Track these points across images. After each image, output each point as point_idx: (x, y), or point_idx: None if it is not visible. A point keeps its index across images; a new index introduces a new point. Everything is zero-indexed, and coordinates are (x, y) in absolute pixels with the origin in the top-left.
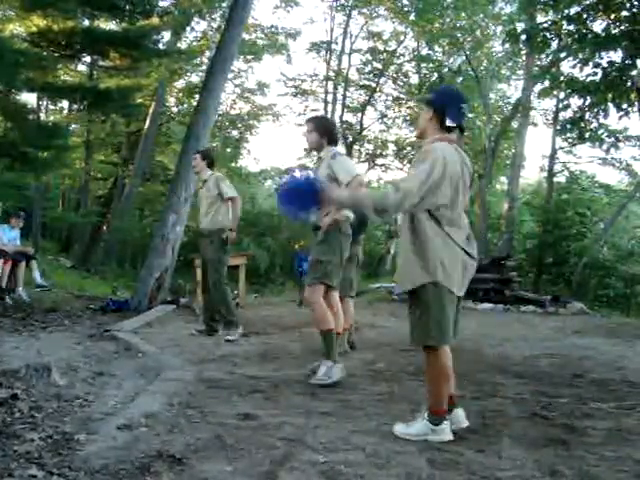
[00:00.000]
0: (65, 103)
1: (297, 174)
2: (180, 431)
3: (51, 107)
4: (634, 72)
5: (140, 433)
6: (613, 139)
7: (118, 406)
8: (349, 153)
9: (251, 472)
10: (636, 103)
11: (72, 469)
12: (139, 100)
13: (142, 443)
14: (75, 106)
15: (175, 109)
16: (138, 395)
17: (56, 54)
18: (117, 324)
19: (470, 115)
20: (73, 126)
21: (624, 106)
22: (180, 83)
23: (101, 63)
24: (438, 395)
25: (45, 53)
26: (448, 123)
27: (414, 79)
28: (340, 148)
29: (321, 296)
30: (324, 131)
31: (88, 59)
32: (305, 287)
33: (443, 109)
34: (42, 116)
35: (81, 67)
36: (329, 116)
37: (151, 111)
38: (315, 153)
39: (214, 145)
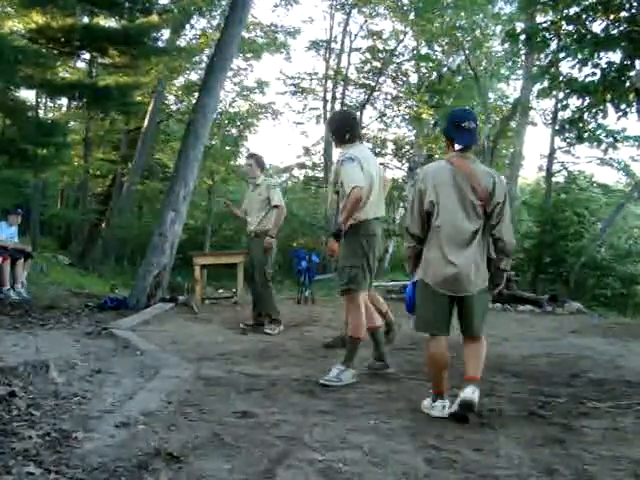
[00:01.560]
0: (64, 100)
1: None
2: (178, 429)
3: (50, 104)
4: (633, 73)
5: (138, 431)
6: (611, 139)
7: (116, 404)
8: None
9: (249, 470)
10: (634, 104)
11: (70, 467)
12: (138, 98)
13: (140, 441)
14: (74, 103)
15: (174, 107)
16: (136, 393)
17: (55, 51)
18: (115, 322)
19: None
20: (72, 123)
21: (623, 107)
22: (179, 81)
23: (100, 60)
24: (431, 376)
25: (44, 50)
26: (457, 147)
27: (413, 78)
28: (358, 149)
29: (357, 303)
30: (338, 134)
31: (87, 56)
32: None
33: (450, 135)
34: (41, 113)
35: (80, 64)
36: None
37: (150, 109)
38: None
39: (213, 143)
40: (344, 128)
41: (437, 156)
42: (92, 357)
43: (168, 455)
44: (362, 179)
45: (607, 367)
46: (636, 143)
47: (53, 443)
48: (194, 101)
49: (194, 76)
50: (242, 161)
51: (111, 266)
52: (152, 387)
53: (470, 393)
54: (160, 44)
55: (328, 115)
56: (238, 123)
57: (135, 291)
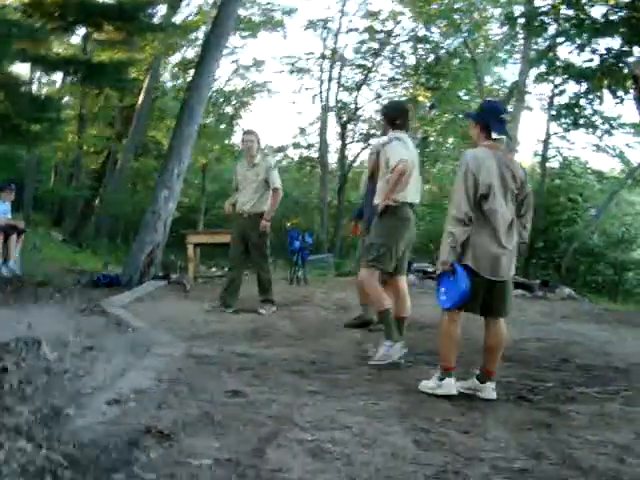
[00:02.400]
0: (58, 75)
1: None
2: (169, 407)
3: (44, 79)
4: (631, 59)
5: (129, 408)
6: (607, 126)
7: (107, 381)
8: (343, 132)
9: (238, 449)
10: (631, 90)
11: (61, 442)
12: (133, 74)
13: (131, 418)
14: (68, 79)
15: (169, 84)
16: (128, 370)
17: (49, 26)
18: (108, 299)
19: (466, 98)
20: (66, 99)
21: (619, 93)
22: (175, 58)
23: (95, 36)
24: (444, 352)
25: (38, 24)
26: (494, 136)
27: (411, 60)
28: (404, 136)
29: (375, 279)
30: (386, 116)
31: (82, 32)
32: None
33: (488, 124)
34: (34, 88)
35: (75, 40)
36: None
37: (145, 86)
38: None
39: (207, 121)
40: (397, 113)
41: (432, 138)
42: (84, 334)
43: (158, 432)
44: (408, 155)
45: (596, 353)
46: (632, 130)
47: (44, 419)
48: (190, 78)
49: (190, 53)
50: (237, 139)
51: (104, 243)
52: (143, 365)
53: (492, 392)
54: (156, 20)
55: (324, 95)
56: (233, 101)
57: (128, 268)
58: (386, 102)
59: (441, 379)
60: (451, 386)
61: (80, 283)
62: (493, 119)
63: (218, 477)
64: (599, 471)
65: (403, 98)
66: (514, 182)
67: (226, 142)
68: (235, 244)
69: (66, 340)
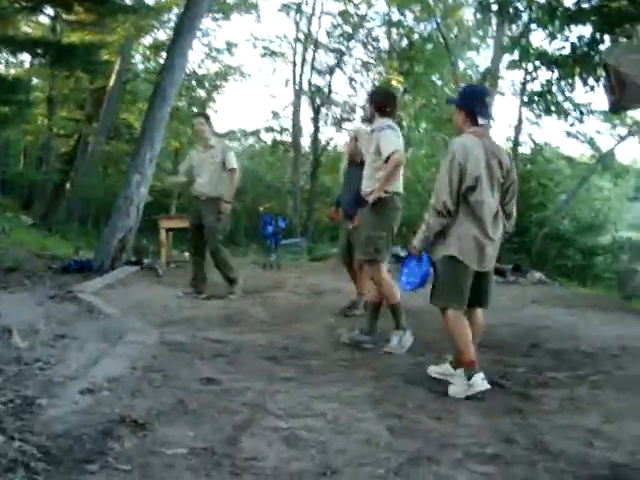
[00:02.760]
0: (26, 57)
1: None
2: (143, 395)
3: (12, 60)
4: (602, 47)
5: (102, 397)
6: (578, 113)
7: (80, 370)
8: (316, 116)
9: (213, 437)
10: (602, 78)
11: (34, 434)
12: (104, 57)
13: (105, 407)
14: (37, 61)
15: (141, 66)
16: (100, 358)
17: (17, 5)
18: (79, 285)
19: (439, 82)
20: (35, 81)
21: (590, 81)
22: (147, 40)
23: (65, 17)
24: (463, 347)
25: (5, 3)
26: (480, 122)
27: (384, 44)
28: (394, 123)
29: (383, 272)
30: (373, 102)
31: (51, 12)
32: (362, 264)
33: (473, 109)
34: (2, 69)
35: (44, 20)
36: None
37: (116, 68)
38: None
39: (180, 105)
40: (387, 100)
41: (405, 123)
42: (55, 321)
43: (133, 422)
44: (402, 145)
45: (565, 337)
46: (601, 117)
47: (16, 410)
48: (162, 61)
49: (162, 35)
50: None
51: (75, 227)
52: (116, 352)
53: (484, 382)
54: (127, 1)
55: (297, 79)
56: (206, 84)
57: (100, 254)
58: (374, 88)
59: (469, 377)
60: (482, 381)
61: (51, 269)
62: (478, 103)
63: (193, 466)
64: (569, 455)
65: (376, 82)
66: (500, 170)
67: None
68: (193, 228)
69: (37, 328)
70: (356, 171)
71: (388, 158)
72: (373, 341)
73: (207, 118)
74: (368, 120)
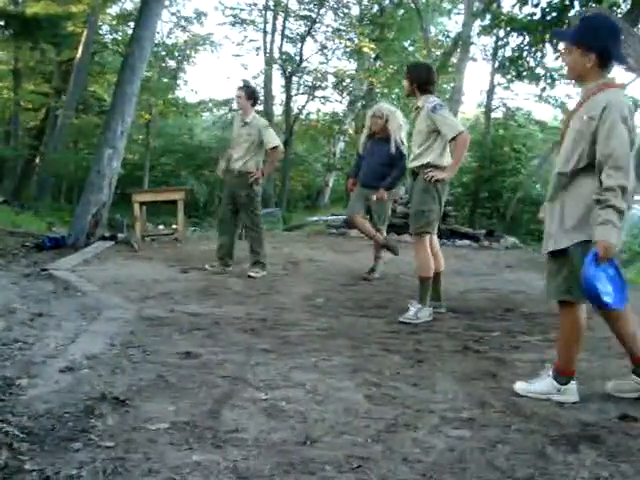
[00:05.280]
0: None
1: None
2: (122, 372)
3: None
4: (571, 13)
5: (83, 375)
6: (549, 77)
7: (59, 348)
8: (288, 85)
9: (194, 411)
10: None
11: (15, 414)
12: (70, 28)
13: (85, 385)
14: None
15: (109, 37)
16: (79, 336)
17: None
18: (54, 262)
19: (411, 48)
20: None
21: (560, 46)
22: (114, 10)
23: None
24: (571, 351)
25: None
26: (622, 68)
27: (355, 10)
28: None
29: (427, 245)
30: (414, 78)
31: None
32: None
33: (608, 51)
34: None
35: None
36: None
37: (83, 39)
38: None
39: (149, 75)
40: (430, 77)
41: (378, 90)
42: (32, 300)
43: (114, 399)
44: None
45: (539, 301)
46: (572, 81)
47: None
48: (129, 31)
49: (129, 5)
50: (180, 94)
51: (47, 203)
52: (95, 329)
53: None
54: None
55: (268, 47)
56: (176, 54)
57: (74, 230)
58: (413, 63)
59: (565, 383)
60: (575, 393)
61: (25, 246)
62: (612, 41)
63: (176, 440)
64: (540, 416)
65: (348, 50)
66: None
67: (170, 97)
68: (225, 204)
69: (13, 307)
70: (380, 145)
71: (454, 138)
72: (442, 305)
73: (247, 90)
74: (408, 95)
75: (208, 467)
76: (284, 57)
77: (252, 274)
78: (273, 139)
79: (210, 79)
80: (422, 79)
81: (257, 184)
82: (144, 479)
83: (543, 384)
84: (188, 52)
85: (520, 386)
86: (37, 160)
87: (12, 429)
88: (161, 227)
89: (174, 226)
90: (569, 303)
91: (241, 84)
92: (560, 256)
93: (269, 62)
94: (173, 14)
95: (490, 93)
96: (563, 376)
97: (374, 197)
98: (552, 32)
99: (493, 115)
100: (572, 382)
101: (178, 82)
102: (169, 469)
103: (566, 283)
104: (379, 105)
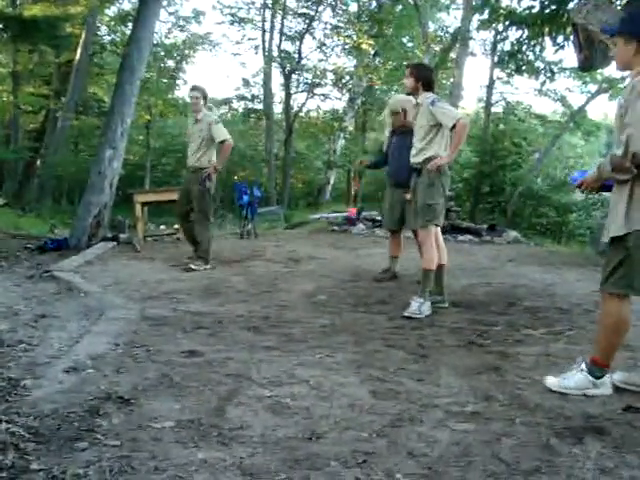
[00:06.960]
0: None
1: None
2: (127, 371)
3: None
4: (570, 6)
5: (87, 375)
6: (549, 71)
7: (63, 349)
8: (287, 83)
9: (199, 409)
10: (571, 37)
11: (21, 415)
12: (69, 30)
13: (90, 385)
14: None
15: (108, 38)
16: (83, 336)
17: None
18: (57, 264)
19: (410, 44)
20: None
21: (560, 40)
22: (112, 11)
23: None
24: (610, 345)
25: None
26: None
27: (353, 7)
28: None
29: (433, 237)
30: (420, 77)
31: None
32: (418, 231)
33: None
34: None
35: None
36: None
37: (82, 41)
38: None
39: (149, 76)
40: (433, 76)
41: (377, 87)
42: (35, 301)
43: (119, 398)
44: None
45: (541, 295)
46: (572, 74)
47: (2, 392)
48: (128, 32)
49: (127, 5)
50: (180, 94)
51: (49, 205)
52: (98, 330)
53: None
54: None
55: (266, 45)
56: (175, 55)
57: (76, 231)
58: (416, 63)
59: (598, 376)
60: (609, 385)
61: (28, 249)
62: None
63: (181, 438)
64: (545, 409)
65: (346, 47)
66: None
67: (169, 97)
68: (180, 198)
69: (17, 309)
70: (404, 140)
71: (454, 126)
72: (444, 299)
73: (202, 91)
74: (411, 93)
75: (214, 464)
76: (283, 55)
77: (193, 267)
78: (221, 133)
79: (209, 78)
80: (428, 78)
81: (210, 180)
82: (150, 477)
83: (577, 379)
84: (187, 52)
85: (552, 382)
86: (38, 162)
87: (18, 429)
88: (163, 227)
89: (176, 226)
90: (619, 295)
91: (196, 87)
92: (620, 244)
93: (268, 60)
94: (171, 14)
95: (490, 88)
96: (599, 368)
97: (406, 196)
98: (601, 29)
99: (493, 110)
100: (607, 375)
101: (177, 82)
102: (175, 467)
103: (628, 276)
104: (393, 100)
